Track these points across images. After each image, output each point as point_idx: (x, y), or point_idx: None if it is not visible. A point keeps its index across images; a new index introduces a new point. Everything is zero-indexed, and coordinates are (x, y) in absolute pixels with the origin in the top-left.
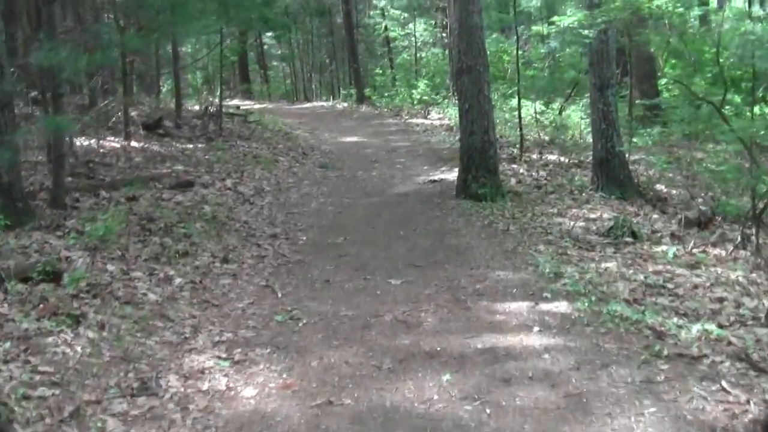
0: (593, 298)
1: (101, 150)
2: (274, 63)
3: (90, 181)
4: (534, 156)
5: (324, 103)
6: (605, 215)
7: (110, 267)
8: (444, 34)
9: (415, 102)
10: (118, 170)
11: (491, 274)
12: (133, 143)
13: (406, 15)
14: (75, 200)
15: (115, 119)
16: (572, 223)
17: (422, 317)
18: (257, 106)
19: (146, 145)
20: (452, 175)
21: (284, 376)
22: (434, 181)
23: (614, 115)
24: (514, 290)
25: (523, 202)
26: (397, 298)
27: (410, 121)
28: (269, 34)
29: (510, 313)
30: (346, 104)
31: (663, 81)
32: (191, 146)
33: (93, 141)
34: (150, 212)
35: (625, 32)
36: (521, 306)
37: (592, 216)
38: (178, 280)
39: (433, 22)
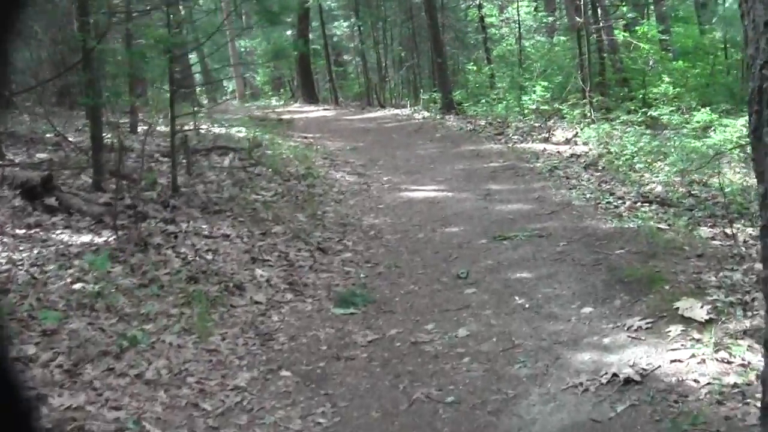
0: None
1: None
2: (346, 57)
3: None
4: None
5: (399, 111)
6: None
7: None
8: (551, 18)
9: (526, 112)
10: None
11: None
12: None
13: None
14: None
15: None
16: None
17: None
18: (313, 114)
19: None
20: (665, 350)
21: None
22: (627, 381)
23: None
24: None
25: None
26: None
27: (521, 146)
28: (336, 22)
29: None
30: (427, 114)
31: None
32: (87, 239)
33: None
34: None
35: None
36: None
37: None
38: None
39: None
